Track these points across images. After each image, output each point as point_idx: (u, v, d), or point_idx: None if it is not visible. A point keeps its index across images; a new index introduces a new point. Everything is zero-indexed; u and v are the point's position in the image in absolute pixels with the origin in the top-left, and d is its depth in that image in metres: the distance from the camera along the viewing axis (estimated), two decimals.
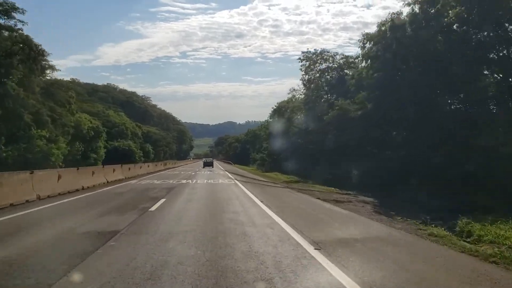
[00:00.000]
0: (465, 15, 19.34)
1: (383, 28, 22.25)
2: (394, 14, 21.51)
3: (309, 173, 31.51)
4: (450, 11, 19.77)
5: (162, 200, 11.90)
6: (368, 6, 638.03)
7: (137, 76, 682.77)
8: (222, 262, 4.89)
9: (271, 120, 56.43)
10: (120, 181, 20.86)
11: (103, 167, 21.93)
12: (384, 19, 22.55)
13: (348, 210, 10.67)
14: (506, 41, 19.85)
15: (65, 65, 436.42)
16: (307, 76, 38.68)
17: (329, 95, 36.98)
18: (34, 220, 8.42)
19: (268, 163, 49.62)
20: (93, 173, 18.04)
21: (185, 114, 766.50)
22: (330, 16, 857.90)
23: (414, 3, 21.14)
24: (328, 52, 37.14)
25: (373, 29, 23.79)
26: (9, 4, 27.63)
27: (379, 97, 21.88)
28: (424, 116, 20.91)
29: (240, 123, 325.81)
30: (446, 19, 19.54)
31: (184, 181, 21.54)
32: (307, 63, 37.75)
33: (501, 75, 20.70)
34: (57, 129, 36.61)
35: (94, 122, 50.70)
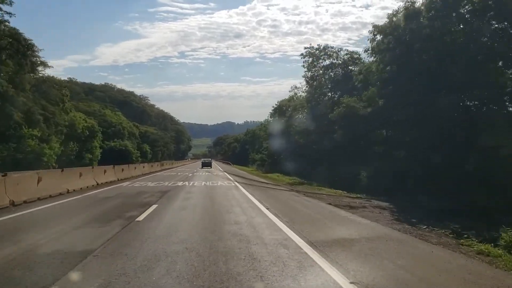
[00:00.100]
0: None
1: (394, 19, 20.75)
2: (408, 1, 19.94)
3: (311, 174, 30.20)
4: None
5: (154, 207, 10.41)
6: (367, 6, 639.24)
7: (135, 76, 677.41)
8: None
9: (271, 119, 54.86)
10: (111, 183, 19.32)
11: (93, 168, 20.36)
12: (396, 9, 21.03)
13: (368, 219, 9.21)
14: None
15: (63, 65, 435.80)
16: (310, 73, 37.19)
17: (332, 93, 35.51)
18: None
19: (268, 163, 48.17)
20: (80, 174, 16.46)
21: (183, 114, 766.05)
22: (329, 16, 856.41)
23: None
24: (332, 48, 35.61)
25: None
26: None
27: (393, 93, 20.27)
28: (430, 114, 19.44)
29: (239, 123, 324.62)
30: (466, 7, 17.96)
31: (180, 183, 20.05)
32: (310, 59, 36.22)
33: None
34: (49, 128, 35.16)
35: (89, 122, 49.26)
